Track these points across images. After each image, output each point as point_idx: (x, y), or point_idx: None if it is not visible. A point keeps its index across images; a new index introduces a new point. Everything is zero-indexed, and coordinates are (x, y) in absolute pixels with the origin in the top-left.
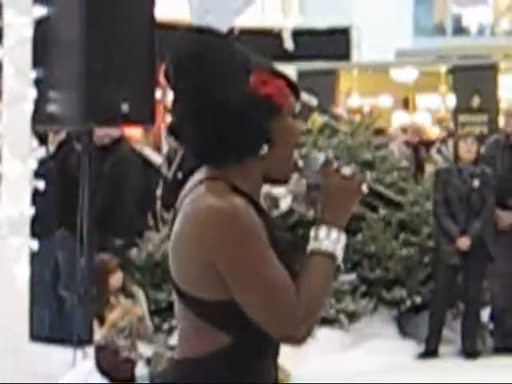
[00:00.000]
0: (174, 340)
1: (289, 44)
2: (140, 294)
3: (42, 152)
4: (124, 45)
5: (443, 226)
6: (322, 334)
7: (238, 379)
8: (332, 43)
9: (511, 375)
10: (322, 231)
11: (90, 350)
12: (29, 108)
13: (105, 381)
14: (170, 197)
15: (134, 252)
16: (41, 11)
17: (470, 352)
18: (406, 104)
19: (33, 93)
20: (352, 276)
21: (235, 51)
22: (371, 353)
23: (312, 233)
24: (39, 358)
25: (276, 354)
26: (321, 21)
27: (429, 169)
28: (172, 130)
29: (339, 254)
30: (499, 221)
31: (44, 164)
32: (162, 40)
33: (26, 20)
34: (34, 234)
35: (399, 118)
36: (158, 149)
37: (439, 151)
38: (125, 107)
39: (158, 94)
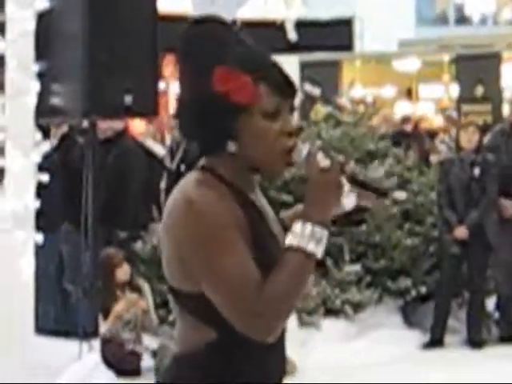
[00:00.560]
0: None
1: (292, 35)
2: (146, 287)
3: (45, 146)
4: (127, 37)
5: (444, 216)
6: (328, 324)
7: (227, 374)
8: (335, 34)
9: None
10: (297, 226)
11: (96, 343)
12: (32, 101)
13: (110, 373)
14: (173, 189)
15: (138, 245)
16: (43, 4)
17: (475, 341)
18: (409, 94)
19: (36, 86)
20: (357, 266)
21: (227, 45)
22: (376, 343)
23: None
24: (45, 350)
25: (277, 346)
26: (323, 12)
27: (434, 159)
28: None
29: (313, 249)
30: (503, 209)
31: (47, 157)
32: (165, 32)
33: (28, 13)
34: (39, 227)
35: (402, 108)
36: (161, 141)
37: (443, 141)
38: (128, 99)
39: (162, 85)
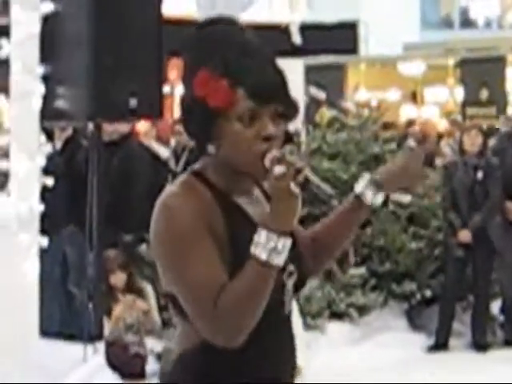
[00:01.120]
0: None
1: (296, 38)
2: (148, 289)
3: (47, 148)
4: (132, 40)
5: (448, 219)
6: (332, 327)
7: (214, 376)
8: (340, 38)
9: None
10: (256, 235)
11: (101, 346)
12: (37, 104)
13: (115, 376)
14: None
15: (143, 247)
16: (48, 7)
17: (480, 344)
18: (414, 97)
19: (41, 88)
20: (362, 270)
21: (221, 47)
22: (381, 346)
23: None
24: (49, 353)
25: (272, 348)
26: (328, 15)
27: (439, 162)
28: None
29: (266, 257)
30: (508, 212)
31: (50, 160)
32: (170, 35)
33: (33, 16)
34: (44, 230)
35: (407, 112)
36: (166, 143)
37: (448, 144)
38: (133, 102)
39: (166, 89)
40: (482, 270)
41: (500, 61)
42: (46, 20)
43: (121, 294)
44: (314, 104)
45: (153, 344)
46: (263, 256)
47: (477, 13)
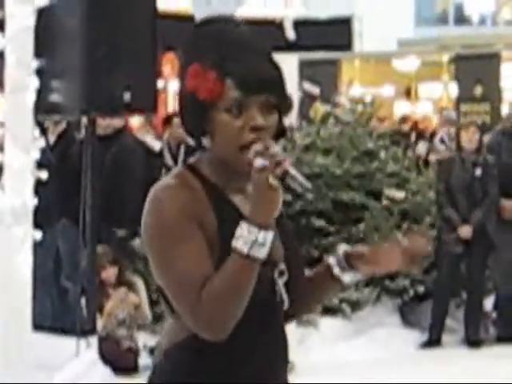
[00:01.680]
0: None
1: (290, 34)
2: (139, 283)
3: (40, 142)
4: (126, 34)
5: (445, 215)
6: (325, 323)
7: (202, 371)
8: (334, 33)
9: None
10: (238, 228)
11: (94, 340)
12: (31, 98)
13: (108, 370)
14: None
15: (136, 241)
16: (43, 0)
17: (472, 341)
18: (408, 93)
19: (35, 82)
20: None
21: (214, 42)
22: (374, 342)
23: None
24: (42, 348)
25: (263, 345)
26: (323, 11)
27: (432, 158)
28: None
29: (247, 250)
30: (503, 210)
31: (43, 154)
32: (164, 30)
33: (27, 9)
34: (37, 224)
35: (401, 108)
36: (160, 138)
37: (442, 141)
38: (127, 96)
39: (160, 83)
40: (478, 266)
41: (494, 57)
42: (41, 14)
43: (112, 288)
44: (307, 99)
45: (145, 338)
46: (244, 249)
47: (471, 9)
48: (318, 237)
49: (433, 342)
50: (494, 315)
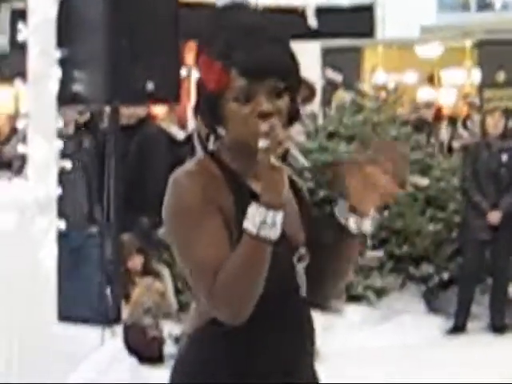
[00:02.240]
0: None
1: (312, 22)
2: (165, 271)
3: (66, 132)
4: (148, 24)
5: (473, 201)
6: (350, 310)
7: (221, 357)
8: (356, 20)
9: None
10: (248, 209)
11: (119, 329)
12: (54, 88)
13: (133, 360)
14: None
15: (161, 231)
16: None
17: (498, 327)
18: (431, 80)
19: (58, 73)
20: (380, 252)
21: (227, 31)
22: (399, 328)
23: None
24: (68, 337)
25: (288, 331)
26: None
27: (456, 144)
28: None
29: (256, 230)
30: None
31: (72, 144)
32: (187, 19)
33: (50, 0)
34: (62, 214)
35: (424, 94)
36: (183, 127)
37: (465, 126)
38: (150, 86)
39: (183, 72)
40: (503, 253)
41: None
42: (63, 4)
43: (138, 277)
44: (330, 86)
45: (170, 327)
46: (253, 229)
47: None
48: None
49: (458, 328)
50: None
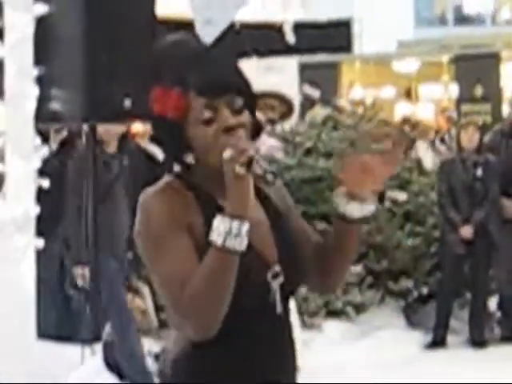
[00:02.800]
0: None
1: (290, 37)
2: (145, 289)
3: (45, 150)
4: (126, 41)
5: (447, 216)
6: (330, 326)
7: (208, 377)
8: (334, 36)
9: None
10: (214, 220)
11: (98, 347)
12: (31, 106)
13: (113, 378)
14: None
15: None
16: (42, 9)
17: (477, 341)
18: (408, 95)
19: (35, 91)
20: (358, 267)
21: (174, 62)
22: (379, 344)
23: None
24: (47, 356)
25: (268, 350)
26: (322, 14)
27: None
28: None
29: (222, 241)
30: (505, 209)
31: (47, 162)
32: (164, 36)
33: (26, 18)
34: (40, 232)
35: (402, 109)
36: None
37: (442, 141)
38: (127, 103)
39: None
40: (482, 267)
41: (494, 57)
42: (40, 22)
43: None
44: (307, 102)
45: (150, 344)
46: (218, 240)
47: (471, 9)
48: None
49: (437, 342)
50: (499, 315)
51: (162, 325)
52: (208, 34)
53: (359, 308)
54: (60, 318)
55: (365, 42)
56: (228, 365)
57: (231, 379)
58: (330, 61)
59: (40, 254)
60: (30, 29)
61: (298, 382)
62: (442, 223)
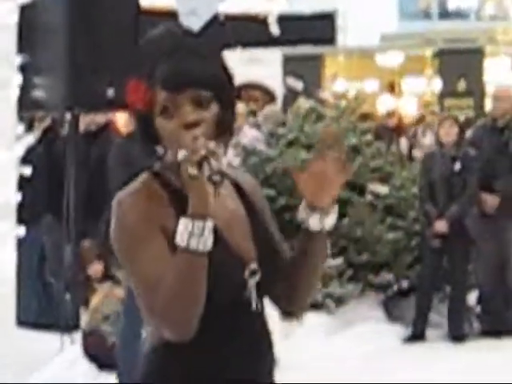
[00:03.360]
0: None
1: (274, 29)
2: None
3: (29, 138)
4: (109, 30)
5: (424, 209)
6: (309, 318)
7: (180, 374)
8: (317, 28)
9: (498, 358)
10: (178, 223)
11: (78, 336)
12: (14, 94)
13: (92, 367)
14: None
15: None
16: None
17: (456, 335)
18: (391, 88)
19: (18, 79)
20: (339, 260)
21: (151, 53)
22: (358, 337)
23: None
24: (26, 343)
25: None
26: (306, 6)
27: (417, 153)
28: None
29: (186, 242)
30: (484, 204)
31: (31, 150)
32: (148, 26)
33: (10, 6)
34: (21, 220)
35: (385, 103)
36: None
37: (425, 135)
38: (110, 92)
39: None
40: (459, 261)
41: (478, 52)
42: (24, 10)
43: (98, 284)
44: (291, 94)
45: None
46: (182, 243)
47: (455, 4)
48: None
49: (417, 336)
50: (478, 309)
51: None
52: (191, 25)
53: (339, 301)
54: (40, 306)
55: (348, 34)
56: (202, 361)
57: (206, 376)
58: (314, 53)
59: (21, 242)
60: (13, 17)
61: (275, 375)
62: (421, 217)
